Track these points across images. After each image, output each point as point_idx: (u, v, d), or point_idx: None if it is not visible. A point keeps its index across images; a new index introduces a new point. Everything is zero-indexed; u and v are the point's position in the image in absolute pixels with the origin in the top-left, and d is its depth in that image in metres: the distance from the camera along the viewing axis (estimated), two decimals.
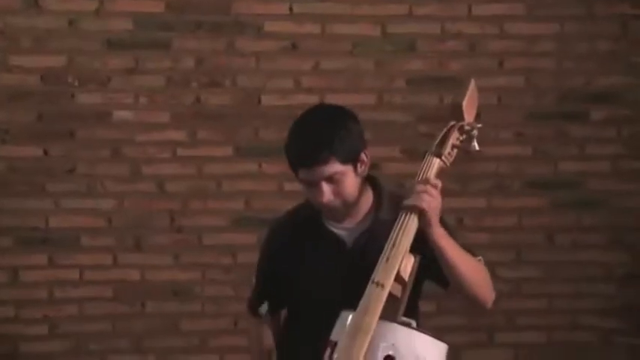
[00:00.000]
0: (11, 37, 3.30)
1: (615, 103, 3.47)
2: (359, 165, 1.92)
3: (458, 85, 3.41)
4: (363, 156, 1.92)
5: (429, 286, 2.03)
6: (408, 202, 1.81)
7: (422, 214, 1.80)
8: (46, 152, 3.34)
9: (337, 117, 1.92)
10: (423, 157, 1.89)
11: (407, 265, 1.81)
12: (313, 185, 1.89)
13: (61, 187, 3.34)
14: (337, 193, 1.89)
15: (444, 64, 3.42)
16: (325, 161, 1.85)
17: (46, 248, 3.33)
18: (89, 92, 3.34)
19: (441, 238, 1.83)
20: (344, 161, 1.87)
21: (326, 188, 1.88)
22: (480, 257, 1.97)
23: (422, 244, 1.87)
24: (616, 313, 3.46)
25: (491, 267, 3.33)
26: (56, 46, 3.32)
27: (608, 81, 3.48)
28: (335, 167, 1.86)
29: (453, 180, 3.40)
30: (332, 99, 3.01)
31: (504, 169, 3.46)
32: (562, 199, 3.47)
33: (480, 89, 3.40)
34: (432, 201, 1.80)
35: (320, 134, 1.87)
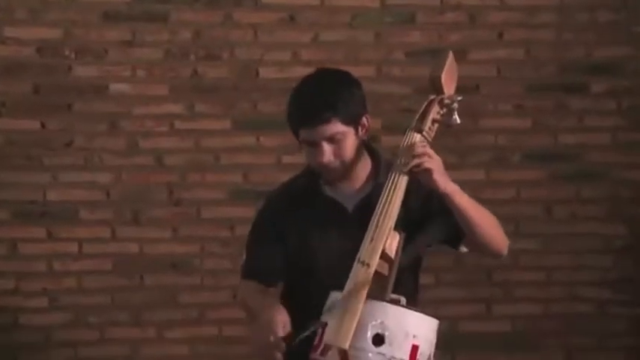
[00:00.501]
0: (6, 8, 3.27)
1: (615, 75, 3.45)
2: (360, 128, 1.95)
3: (458, 56, 3.42)
4: (364, 120, 1.96)
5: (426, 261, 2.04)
6: (407, 166, 1.83)
7: (428, 174, 1.82)
8: (43, 125, 3.32)
9: (341, 80, 1.95)
10: (404, 134, 1.90)
11: (392, 242, 1.81)
12: (314, 146, 1.91)
13: (58, 161, 3.33)
14: (337, 154, 1.91)
15: (443, 36, 3.40)
16: (327, 121, 1.87)
17: (45, 221, 3.33)
18: (86, 65, 3.32)
19: (451, 186, 1.86)
20: (346, 122, 1.90)
21: (327, 148, 1.90)
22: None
23: (428, 203, 1.92)
24: (613, 285, 3.47)
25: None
26: (52, 17, 3.29)
27: (608, 52, 3.46)
28: (337, 127, 1.89)
29: (452, 152, 3.40)
30: None
31: (503, 142, 3.45)
32: (561, 172, 3.46)
33: (480, 61, 3.43)
34: (432, 160, 1.83)
35: (323, 95, 1.90)
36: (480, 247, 1.96)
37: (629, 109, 3.47)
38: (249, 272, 2.07)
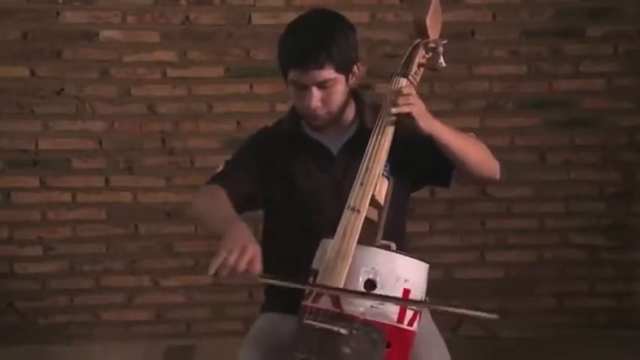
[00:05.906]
0: None
1: (612, 19, 3.41)
2: (351, 76, 1.92)
3: (454, 2, 3.37)
4: (356, 68, 1.93)
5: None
6: (390, 110, 1.80)
7: (410, 119, 1.80)
8: (33, 73, 3.28)
9: (337, 24, 1.90)
10: (390, 78, 1.88)
11: (381, 188, 1.82)
12: (302, 89, 1.88)
13: (49, 109, 3.30)
14: (325, 101, 1.89)
15: None
16: (321, 66, 1.84)
17: (37, 171, 3.32)
18: (74, 10, 3.26)
19: (434, 126, 1.83)
20: (338, 69, 1.87)
21: (316, 94, 1.88)
22: (472, 134, 1.98)
23: (414, 144, 1.88)
24: (605, 231, 3.49)
25: (482, 187, 3.36)
26: None
27: None
28: (329, 74, 1.86)
29: (446, 100, 3.38)
30: None
31: (498, 89, 3.42)
32: (555, 118, 3.45)
33: (475, 6, 3.37)
34: (415, 105, 1.80)
35: (320, 37, 1.85)
36: (473, 176, 1.93)
37: (625, 53, 3.44)
38: (220, 178, 1.96)
